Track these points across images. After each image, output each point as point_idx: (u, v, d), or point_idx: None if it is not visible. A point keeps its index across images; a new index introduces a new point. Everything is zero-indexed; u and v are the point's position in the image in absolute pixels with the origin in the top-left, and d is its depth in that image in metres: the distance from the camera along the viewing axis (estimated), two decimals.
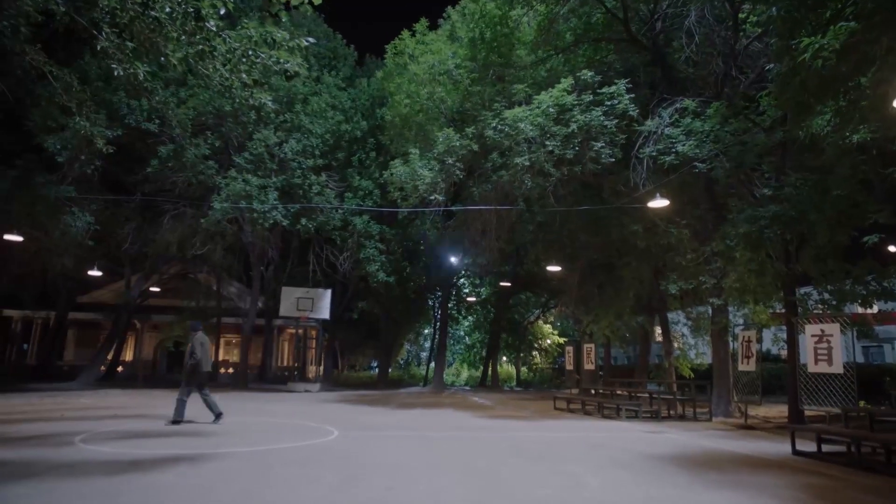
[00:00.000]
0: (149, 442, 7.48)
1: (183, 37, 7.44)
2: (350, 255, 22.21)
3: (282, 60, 7.86)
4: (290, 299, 21.11)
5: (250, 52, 7.68)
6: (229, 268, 26.13)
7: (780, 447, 8.09)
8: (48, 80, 12.74)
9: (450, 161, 12.88)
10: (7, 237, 15.57)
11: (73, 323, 30.73)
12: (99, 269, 26.96)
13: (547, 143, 11.11)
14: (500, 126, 11.89)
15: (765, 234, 9.35)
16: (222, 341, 32.34)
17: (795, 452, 7.40)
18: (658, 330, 19.70)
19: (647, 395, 13.52)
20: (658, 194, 10.61)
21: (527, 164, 11.25)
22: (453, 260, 28.12)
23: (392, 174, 13.78)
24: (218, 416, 9.71)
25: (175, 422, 9.34)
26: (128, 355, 32.10)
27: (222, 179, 18.08)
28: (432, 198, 13.07)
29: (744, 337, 11.06)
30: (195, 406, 9.99)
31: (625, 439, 8.72)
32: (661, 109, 11.30)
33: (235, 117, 18.96)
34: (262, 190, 18.08)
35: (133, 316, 28.83)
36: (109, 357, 28.87)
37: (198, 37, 7.66)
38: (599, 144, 11.19)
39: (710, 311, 18.02)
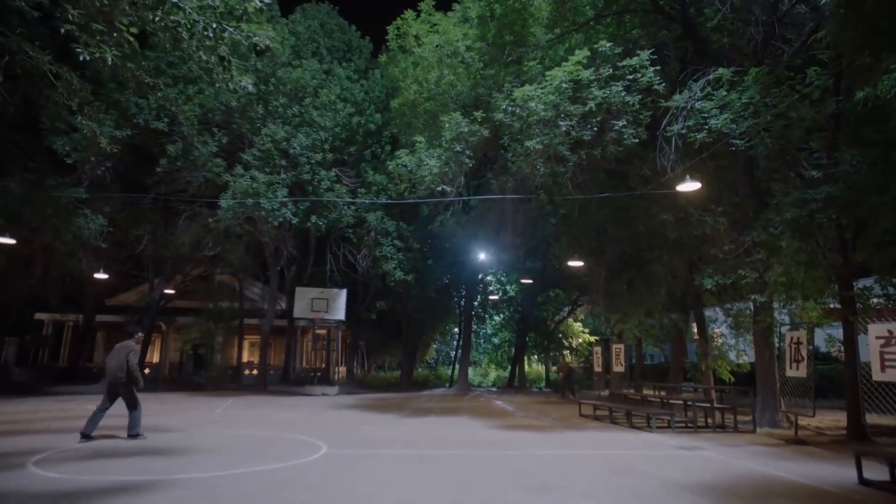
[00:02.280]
0: (109, 464, 6.71)
1: (138, 9, 6.63)
2: (367, 253, 21.43)
3: (251, 34, 7.00)
4: (305, 300, 20.45)
5: (214, 25, 6.82)
6: (247, 268, 25.67)
7: (842, 472, 6.79)
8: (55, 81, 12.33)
9: (458, 148, 11.84)
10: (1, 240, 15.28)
11: (102, 325, 30.96)
12: (122, 272, 27.12)
13: (561, 122, 9.94)
14: (510, 108, 10.79)
15: (816, 220, 7.99)
16: (246, 343, 32.12)
17: (862, 482, 6.11)
18: (694, 328, 18.22)
19: (681, 401, 12.22)
20: (688, 176, 9.33)
21: (539, 147, 10.11)
22: (476, 257, 27.06)
23: (397, 165, 12.81)
24: (85, 436, 8.24)
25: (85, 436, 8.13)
26: (154, 357, 32.23)
27: (230, 177, 17.49)
28: (440, 189, 12.05)
29: (792, 338, 9.68)
30: (185, 414, 9.25)
31: (654, 460, 7.54)
32: (691, 82, 9.99)
33: (243, 112, 18.35)
34: (270, 187, 17.41)
35: (158, 318, 28.81)
36: None
37: (159, 11, 6.86)
38: (621, 123, 9.96)
39: (751, 308, 16.52)
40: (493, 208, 14.70)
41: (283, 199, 17.37)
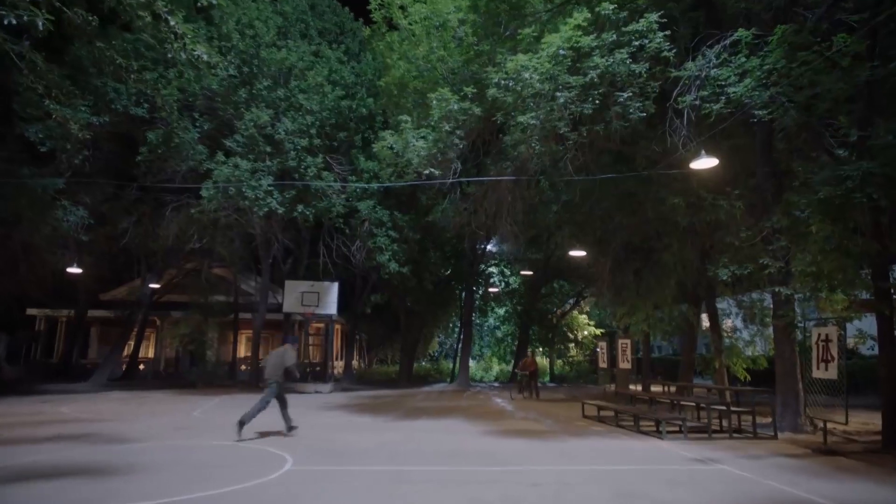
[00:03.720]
0: (25, 489, 5.78)
1: None
2: (361, 244, 20.45)
3: None
4: (295, 294, 19.52)
5: None
6: (239, 261, 24.76)
7: (884, 494, 5.78)
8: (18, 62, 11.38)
9: (447, 128, 10.79)
10: None
11: (96, 321, 30.25)
12: (115, 266, 26.35)
13: (559, 94, 8.86)
14: (502, 81, 9.71)
15: (854, 200, 6.91)
16: (242, 337, 31.32)
17: None
18: (705, 320, 17.16)
19: (693, 403, 11.20)
20: (703, 152, 8.24)
21: (533, 122, 9.04)
22: (476, 247, 26.03)
23: (382, 147, 11.77)
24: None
25: None
26: (149, 353, 31.51)
27: (212, 165, 16.51)
28: (427, 172, 11.02)
29: (820, 335, 8.61)
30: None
31: (666, 478, 6.53)
32: (705, 48, 8.87)
33: (226, 97, 17.34)
34: (254, 175, 16.41)
35: (152, 313, 28.05)
36: (128, 355, 28.29)
37: None
38: (626, 95, 8.86)
39: (766, 300, 15.41)
40: (491, 195, 13.63)
41: (268, 187, 16.38)
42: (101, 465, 6.83)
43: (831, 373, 8.34)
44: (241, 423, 8.95)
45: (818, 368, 8.64)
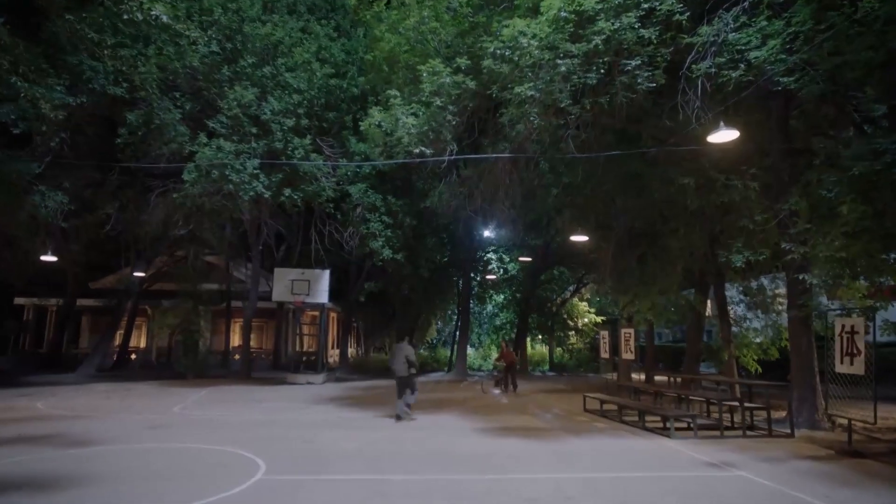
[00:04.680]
0: None
1: None
2: (354, 230, 19.67)
3: None
4: (284, 282, 18.78)
5: None
6: (227, 247, 24.00)
7: None
8: None
9: (439, 103, 9.96)
10: None
11: (87, 310, 29.58)
12: (106, 254, 25.61)
13: (560, 62, 8.03)
14: (498, 50, 8.88)
15: (894, 175, 6.13)
16: (236, 326, 30.67)
17: None
18: (710, 308, 16.47)
19: (702, 399, 10.52)
20: (721, 123, 7.43)
21: (531, 94, 8.22)
22: (473, 233, 25.26)
23: (370, 125, 10.94)
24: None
25: None
26: (140, 343, 30.88)
27: (194, 147, 15.67)
28: (417, 150, 10.22)
29: (844, 326, 7.88)
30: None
31: (679, 488, 5.84)
32: (721, 11, 8.02)
33: (208, 75, 16.44)
34: (239, 157, 15.58)
35: (143, 301, 27.38)
36: (119, 345, 27.69)
37: None
38: (634, 63, 8.03)
39: (774, 286, 14.69)
40: (487, 178, 12.83)
41: (254, 170, 15.56)
42: (48, 476, 6.13)
43: (857, 368, 7.63)
44: (406, 411, 10.47)
45: (842, 363, 7.93)
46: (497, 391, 17.00)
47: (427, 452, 7.63)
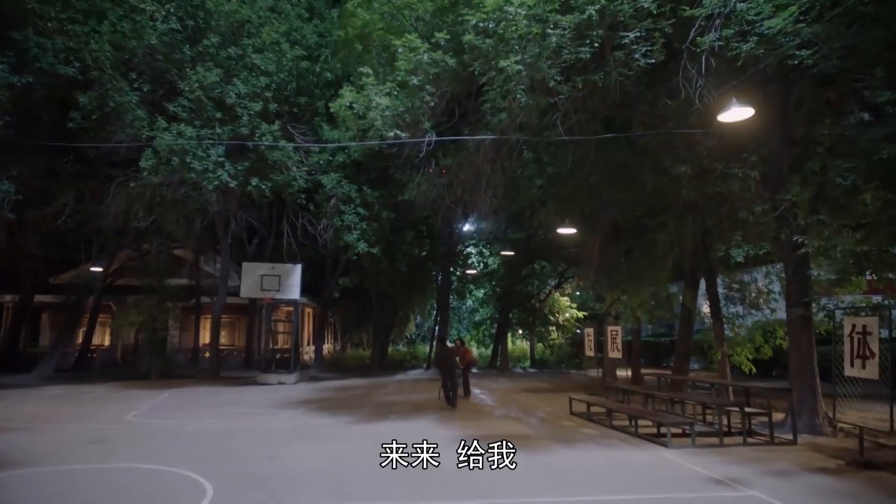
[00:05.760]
0: None
1: None
2: (328, 223, 18.68)
3: None
4: (253, 277, 17.74)
5: None
6: (194, 240, 22.78)
7: None
8: None
9: (416, 81, 9.08)
10: None
11: (47, 306, 28.01)
12: (68, 247, 24.12)
13: (550, 32, 7.21)
14: (480, 23, 8.04)
15: None
16: (207, 323, 29.38)
17: None
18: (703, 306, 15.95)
19: (697, 402, 9.89)
20: (734, 100, 6.69)
21: (518, 68, 7.40)
22: (453, 226, 24.46)
23: (340, 107, 10.01)
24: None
25: None
26: (104, 341, 29.41)
27: (151, 132, 14.52)
28: (392, 133, 9.33)
29: (854, 326, 7.27)
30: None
31: None
32: None
33: (168, 55, 15.26)
34: (201, 143, 14.48)
35: (106, 297, 25.97)
36: (79, 343, 26.28)
37: None
38: (632, 35, 7.25)
39: (769, 283, 14.18)
40: (468, 166, 11.99)
41: (218, 158, 14.48)
42: None
43: (870, 371, 7.02)
44: (452, 400, 11.88)
45: (852, 366, 7.31)
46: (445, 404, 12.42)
47: (401, 470, 6.80)
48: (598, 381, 16.31)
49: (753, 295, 13.86)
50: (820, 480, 6.34)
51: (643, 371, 16.26)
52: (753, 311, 13.14)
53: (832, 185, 6.73)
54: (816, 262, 8.17)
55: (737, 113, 6.84)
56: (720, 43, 6.77)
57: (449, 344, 17.10)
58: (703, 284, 13.94)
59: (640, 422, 9.17)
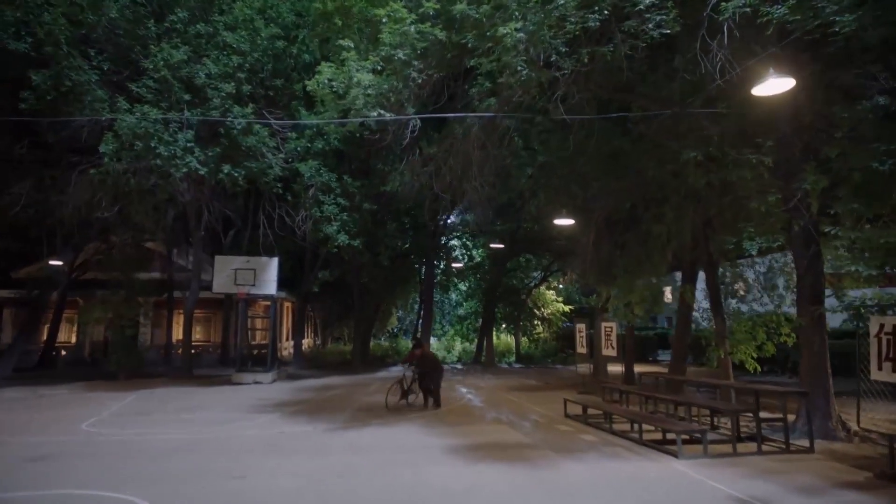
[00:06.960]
0: None
1: None
2: (307, 213, 17.70)
3: None
4: (227, 271, 16.71)
5: None
6: (165, 232, 21.61)
7: None
8: None
9: (401, 56, 8.21)
10: None
11: (8, 302, 26.52)
12: (29, 240, 22.72)
13: None
14: None
15: None
16: (180, 318, 28.17)
17: None
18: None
19: (706, 405, 9.25)
20: (771, 70, 5.94)
21: (519, 35, 6.59)
22: (438, 218, 23.63)
23: (318, 84, 9.09)
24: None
25: None
26: (71, 338, 28.01)
27: (112, 114, 13.40)
28: (376, 112, 8.46)
29: (883, 326, 6.64)
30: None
31: None
32: None
33: (131, 31, 14.11)
34: (168, 127, 13.40)
35: (73, 292, 24.60)
36: (43, 341, 24.93)
37: None
38: (646, 2, 6.48)
39: (771, 276, 13.67)
40: (455, 153, 11.17)
41: (187, 143, 13.42)
42: None
43: None
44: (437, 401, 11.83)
45: (880, 369, 6.70)
46: (403, 402, 12.13)
47: (385, 490, 6.01)
48: (590, 379, 15.69)
49: (760, 288, 13.33)
50: (853, 498, 5.70)
51: (636, 365, 15.67)
52: (754, 307, 12.59)
53: (870, 171, 6.07)
54: (837, 254, 7.55)
55: (775, 84, 6.09)
56: (747, 9, 6.03)
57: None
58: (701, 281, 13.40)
59: (645, 426, 8.50)
